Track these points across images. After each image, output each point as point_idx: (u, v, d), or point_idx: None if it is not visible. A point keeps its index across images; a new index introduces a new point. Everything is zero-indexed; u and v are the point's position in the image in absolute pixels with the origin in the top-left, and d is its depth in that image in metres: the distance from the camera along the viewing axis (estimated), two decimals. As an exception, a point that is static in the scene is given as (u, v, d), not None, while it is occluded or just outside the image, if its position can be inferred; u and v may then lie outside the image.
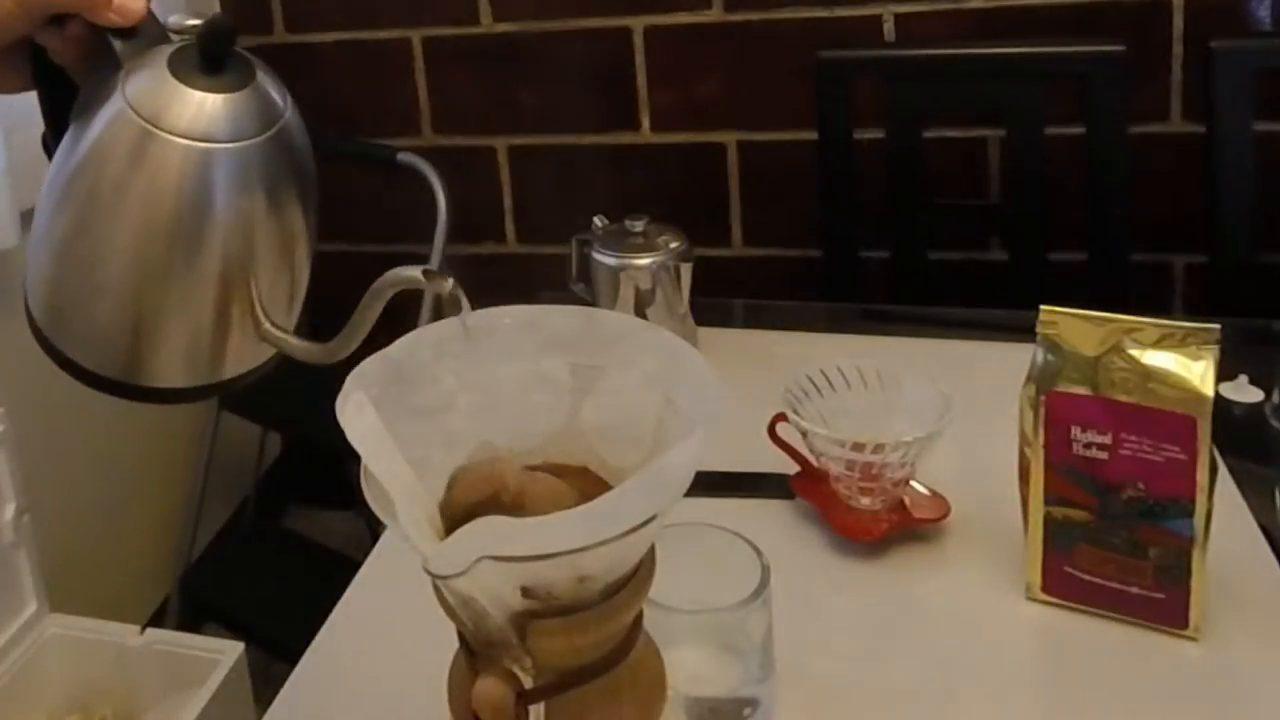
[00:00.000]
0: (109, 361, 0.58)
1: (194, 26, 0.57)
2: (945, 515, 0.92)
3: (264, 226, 0.57)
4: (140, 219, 0.55)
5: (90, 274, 0.57)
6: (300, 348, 0.59)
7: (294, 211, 0.58)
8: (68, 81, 0.61)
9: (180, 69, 0.55)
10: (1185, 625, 0.80)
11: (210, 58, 0.56)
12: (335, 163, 2.12)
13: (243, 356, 0.60)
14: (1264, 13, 1.83)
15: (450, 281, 0.55)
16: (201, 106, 0.55)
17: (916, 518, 0.92)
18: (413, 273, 0.54)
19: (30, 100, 0.64)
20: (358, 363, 0.56)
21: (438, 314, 2.00)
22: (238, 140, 0.55)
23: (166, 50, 0.57)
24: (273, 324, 0.58)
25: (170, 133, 0.54)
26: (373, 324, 0.56)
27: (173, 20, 0.59)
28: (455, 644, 0.57)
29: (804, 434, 0.94)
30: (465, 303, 0.56)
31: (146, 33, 0.58)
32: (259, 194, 0.56)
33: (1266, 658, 0.79)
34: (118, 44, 0.57)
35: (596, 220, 1.28)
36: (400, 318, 0.58)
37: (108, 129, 0.55)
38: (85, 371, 0.59)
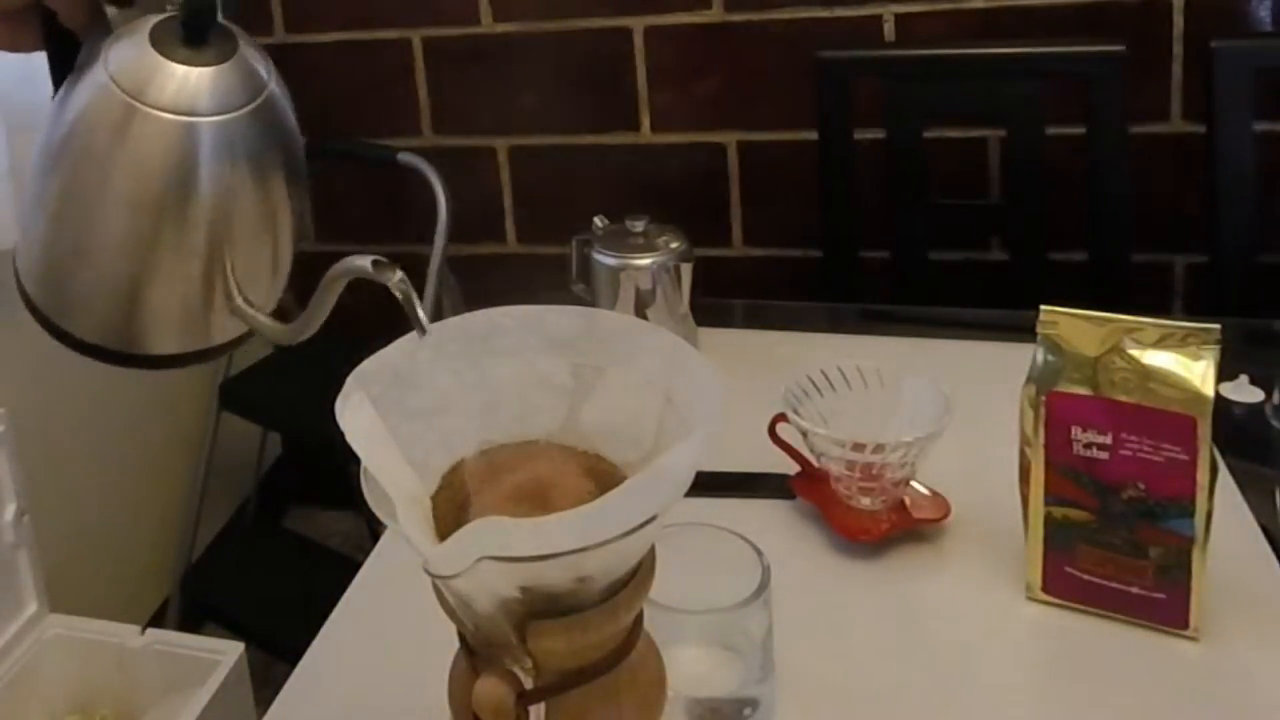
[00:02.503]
0: (99, 329, 0.58)
1: None
2: (945, 515, 0.92)
3: (245, 199, 0.57)
4: (124, 192, 0.55)
5: (76, 245, 0.57)
6: (267, 326, 0.59)
7: (277, 183, 0.58)
8: (78, 43, 0.60)
9: (162, 41, 0.55)
10: (1185, 625, 0.80)
11: (192, 30, 0.55)
12: (336, 163, 2.12)
13: (231, 324, 0.60)
14: (1264, 13, 1.83)
15: (398, 273, 0.54)
16: (184, 80, 0.54)
17: (916, 518, 0.92)
18: (363, 263, 0.54)
19: (33, 103, 0.64)
20: (357, 362, 0.57)
21: (437, 314, 2.00)
22: (220, 114, 0.55)
23: (150, 21, 0.56)
24: (244, 299, 0.58)
25: (153, 107, 0.54)
26: (329, 310, 0.56)
27: None
28: (455, 644, 0.57)
29: (804, 434, 0.94)
30: (414, 296, 0.55)
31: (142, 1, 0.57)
32: (242, 167, 0.56)
33: (1266, 658, 0.79)
34: (110, 10, 0.57)
35: (596, 220, 1.28)
36: (400, 318, 0.58)
37: (90, 102, 0.55)
38: (76, 340, 0.59)
